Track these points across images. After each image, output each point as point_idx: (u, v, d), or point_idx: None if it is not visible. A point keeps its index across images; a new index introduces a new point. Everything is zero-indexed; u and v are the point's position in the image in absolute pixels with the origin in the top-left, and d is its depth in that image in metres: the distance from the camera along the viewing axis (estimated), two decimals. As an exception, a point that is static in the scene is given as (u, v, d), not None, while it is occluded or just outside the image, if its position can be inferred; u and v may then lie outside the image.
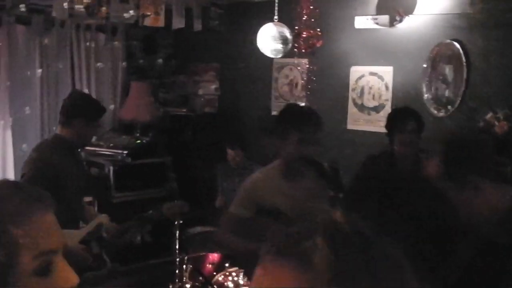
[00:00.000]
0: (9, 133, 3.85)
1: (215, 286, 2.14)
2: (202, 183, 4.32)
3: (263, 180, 2.05)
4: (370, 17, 3.58)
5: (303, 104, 2.18)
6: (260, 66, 4.35)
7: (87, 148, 3.54)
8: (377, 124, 3.67)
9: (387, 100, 3.71)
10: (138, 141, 4.22)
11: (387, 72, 3.67)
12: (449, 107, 3.35)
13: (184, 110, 4.66)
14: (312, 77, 3.89)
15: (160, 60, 4.80)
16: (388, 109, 3.64)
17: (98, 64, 4.30)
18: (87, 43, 4.21)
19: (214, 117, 4.68)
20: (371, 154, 2.89)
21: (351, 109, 3.84)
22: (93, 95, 4.02)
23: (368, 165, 2.68)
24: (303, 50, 3.52)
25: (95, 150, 4.03)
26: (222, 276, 2.22)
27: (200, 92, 4.76)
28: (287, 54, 3.63)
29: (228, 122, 4.55)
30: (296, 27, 3.45)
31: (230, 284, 2.15)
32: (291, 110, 2.13)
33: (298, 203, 1.95)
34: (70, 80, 4.15)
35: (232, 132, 4.33)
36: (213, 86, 4.75)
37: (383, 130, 3.50)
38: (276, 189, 2.03)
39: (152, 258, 3.69)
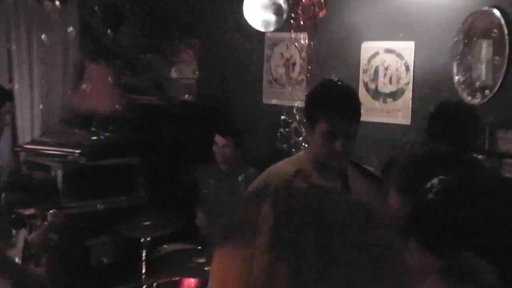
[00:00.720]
0: None
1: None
2: (179, 191, 4.31)
3: (289, 174, 1.95)
4: (386, -22, 3.58)
5: (339, 82, 2.08)
6: (249, 43, 4.38)
7: (28, 146, 3.43)
8: (395, 115, 3.67)
9: (407, 84, 3.65)
10: (95, 137, 4.19)
11: (407, 48, 3.63)
12: (486, 92, 3.26)
13: (155, 98, 4.69)
14: (313, 56, 3.90)
15: (125, 36, 4.80)
16: (408, 95, 3.61)
17: (43, 36, 4.23)
18: (29, 9, 4.11)
19: (192, 107, 4.69)
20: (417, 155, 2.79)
21: (362, 96, 3.77)
22: (36, 77, 3.88)
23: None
24: (302, 22, 3.54)
25: (39, 149, 3.96)
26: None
27: (175, 75, 4.78)
28: (282, 27, 3.67)
29: (210, 113, 4.57)
30: (293, -8, 3.43)
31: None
32: (321, 88, 2.03)
33: (347, 215, 1.92)
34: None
35: (220, 118, 4.38)
36: (191, 68, 4.76)
37: (403, 121, 3.62)
38: (312, 189, 1.97)
39: (115, 283, 3.76)
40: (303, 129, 3.79)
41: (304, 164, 1.99)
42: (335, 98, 1.95)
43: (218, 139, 3.83)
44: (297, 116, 3.93)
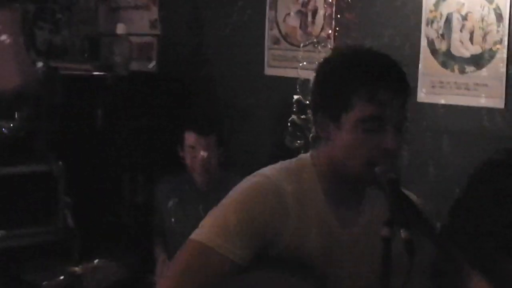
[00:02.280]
0: None
1: None
2: (125, 216, 4.35)
3: (289, 196, 2.07)
4: None
5: (363, 49, 2.15)
6: None
7: None
8: (480, 92, 3.69)
9: (499, 42, 3.63)
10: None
11: None
12: None
13: (90, 67, 4.69)
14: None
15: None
16: (502, 61, 3.61)
17: None
18: None
19: (150, 81, 4.73)
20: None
21: (426, 62, 3.85)
22: None
23: None
24: None
25: None
26: None
27: (123, 30, 4.71)
28: None
29: (177, 92, 4.62)
30: None
31: None
32: (349, 55, 2.11)
33: (356, 259, 2.07)
34: None
35: (195, 101, 4.51)
36: (149, 18, 4.84)
37: (493, 103, 3.63)
38: (315, 221, 2.07)
39: None
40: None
41: (308, 179, 2.08)
42: (376, 67, 2.00)
43: (193, 138, 3.90)
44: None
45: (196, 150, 3.88)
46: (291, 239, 2.02)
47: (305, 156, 2.17)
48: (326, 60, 2.17)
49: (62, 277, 3.60)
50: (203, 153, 3.87)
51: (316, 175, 2.07)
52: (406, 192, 2.08)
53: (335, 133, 1.99)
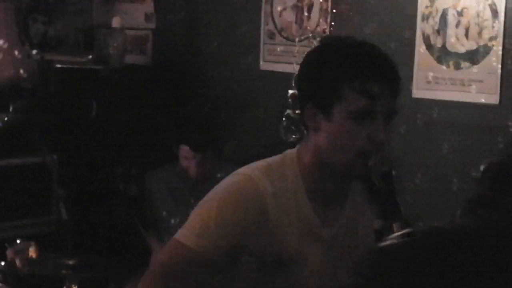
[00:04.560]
0: None
1: None
2: (119, 209, 4.33)
3: (270, 196, 2.08)
4: None
5: (352, 39, 2.18)
6: None
7: None
8: (475, 88, 3.69)
9: (495, 37, 3.63)
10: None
11: None
12: None
13: (85, 60, 4.68)
14: None
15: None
16: (497, 56, 3.61)
17: None
18: None
19: (145, 75, 4.75)
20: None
21: (422, 57, 3.85)
22: None
23: None
24: None
25: None
26: None
27: (118, 23, 4.71)
28: None
29: (174, 86, 4.61)
30: None
31: None
32: (337, 46, 2.13)
33: (336, 255, 2.09)
34: None
35: (188, 110, 4.47)
36: (145, 11, 4.84)
37: (488, 99, 3.64)
38: (294, 220, 2.09)
39: None
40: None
41: (290, 177, 2.09)
42: (366, 58, 2.01)
43: (188, 153, 3.90)
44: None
45: (190, 161, 3.89)
46: (270, 238, 2.04)
47: (291, 151, 2.17)
48: (316, 51, 2.19)
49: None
50: (197, 167, 3.88)
51: (300, 172, 2.08)
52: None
53: (324, 124, 1.99)
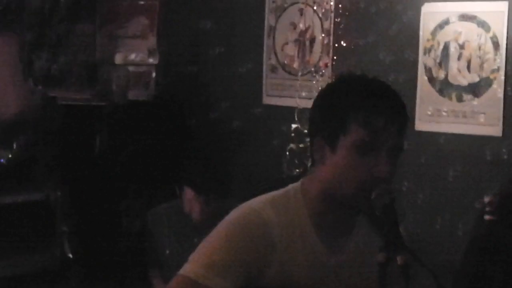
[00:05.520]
0: None
1: None
2: (122, 246, 4.35)
3: (276, 227, 2.07)
4: None
5: (364, 76, 2.14)
6: (242, 7, 4.49)
7: None
8: (477, 120, 3.71)
9: (496, 70, 3.68)
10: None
11: (496, 13, 3.69)
12: None
13: (89, 96, 4.73)
14: (343, 28, 3.99)
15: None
16: (499, 89, 3.65)
17: None
18: None
19: (148, 111, 4.77)
20: None
21: (424, 90, 3.88)
22: None
23: None
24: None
25: None
26: None
27: (121, 60, 4.80)
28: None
29: (177, 121, 4.62)
30: None
31: None
32: (345, 81, 2.12)
33: (343, 284, 2.08)
34: None
35: (192, 148, 4.47)
36: (147, 47, 4.86)
37: (490, 131, 3.67)
38: (301, 250, 2.07)
39: None
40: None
41: (295, 208, 2.09)
42: (373, 92, 2.02)
43: (191, 196, 3.84)
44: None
45: (194, 204, 3.84)
46: (278, 270, 2.03)
47: (294, 184, 2.17)
48: (328, 85, 2.22)
49: None
50: (201, 210, 3.83)
51: (304, 203, 2.08)
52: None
53: (330, 156, 2.00)
